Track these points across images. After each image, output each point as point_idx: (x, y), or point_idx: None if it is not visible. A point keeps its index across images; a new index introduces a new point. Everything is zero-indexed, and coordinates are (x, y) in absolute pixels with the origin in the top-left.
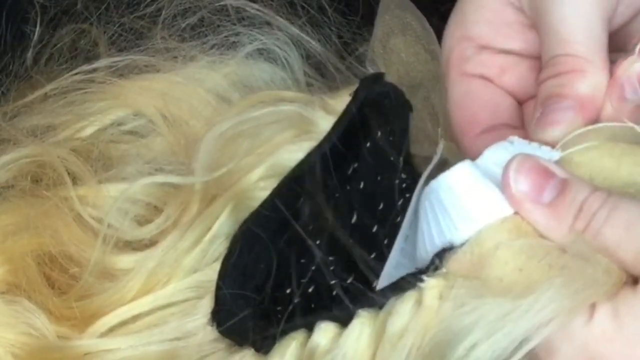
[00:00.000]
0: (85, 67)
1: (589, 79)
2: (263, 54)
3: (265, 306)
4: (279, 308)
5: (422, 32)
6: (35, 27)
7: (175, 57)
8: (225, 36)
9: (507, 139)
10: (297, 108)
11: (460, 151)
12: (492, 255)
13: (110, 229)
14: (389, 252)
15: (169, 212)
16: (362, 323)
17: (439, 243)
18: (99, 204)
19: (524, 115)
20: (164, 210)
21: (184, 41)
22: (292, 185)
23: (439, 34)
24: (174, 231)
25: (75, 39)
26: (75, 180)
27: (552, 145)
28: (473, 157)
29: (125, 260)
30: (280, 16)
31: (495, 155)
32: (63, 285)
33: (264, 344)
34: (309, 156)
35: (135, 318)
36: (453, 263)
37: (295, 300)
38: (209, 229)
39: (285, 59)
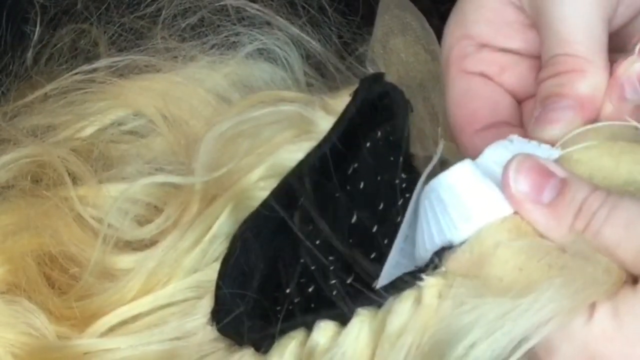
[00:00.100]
0: (85, 67)
1: (589, 79)
2: (263, 54)
3: (265, 306)
4: (278, 308)
5: (422, 32)
6: (35, 27)
7: (175, 57)
8: (225, 36)
9: (507, 138)
10: (297, 108)
11: (458, 148)
12: (492, 255)
13: (110, 229)
14: (388, 252)
15: (169, 212)
16: (362, 322)
17: (438, 242)
18: (99, 204)
19: (523, 114)
20: (164, 210)
21: (184, 41)
22: (292, 185)
23: (439, 34)
24: (174, 231)
25: (75, 39)
26: (75, 180)
27: (551, 144)
28: (471, 154)
29: (125, 260)
30: (280, 16)
31: (496, 154)
32: (63, 285)
33: (264, 343)
34: (308, 156)
35: (135, 318)
36: (452, 262)
37: (295, 300)
38: (209, 229)
39: (285, 59)
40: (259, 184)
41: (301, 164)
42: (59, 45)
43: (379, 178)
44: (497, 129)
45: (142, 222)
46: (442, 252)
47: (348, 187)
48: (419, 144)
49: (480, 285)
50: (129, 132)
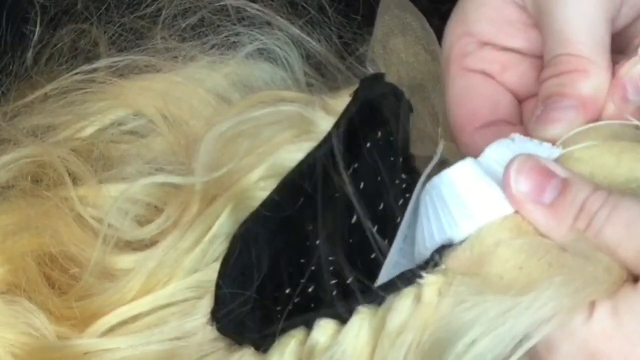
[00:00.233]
0: (85, 67)
1: (591, 80)
2: (263, 54)
3: (265, 305)
4: (278, 308)
5: (422, 32)
6: (35, 27)
7: (175, 57)
8: (225, 36)
9: (509, 136)
10: (297, 108)
11: (458, 149)
12: (492, 253)
13: (111, 229)
14: (388, 252)
15: (169, 212)
16: (362, 319)
17: (438, 239)
18: (99, 204)
19: (523, 113)
20: (164, 210)
21: (184, 41)
22: (292, 185)
23: (439, 34)
24: (174, 231)
25: (75, 39)
26: (75, 180)
27: (552, 143)
28: (471, 152)
29: (126, 260)
30: (281, 16)
31: (497, 152)
32: (63, 285)
33: (264, 343)
34: (308, 156)
35: (135, 318)
36: (453, 260)
37: (295, 300)
38: (209, 229)
39: (286, 59)
40: (259, 184)
41: (301, 164)
42: (59, 45)
43: (379, 178)
44: (498, 127)
45: (142, 222)
46: (442, 250)
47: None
48: (419, 144)
49: (480, 283)
50: (129, 132)
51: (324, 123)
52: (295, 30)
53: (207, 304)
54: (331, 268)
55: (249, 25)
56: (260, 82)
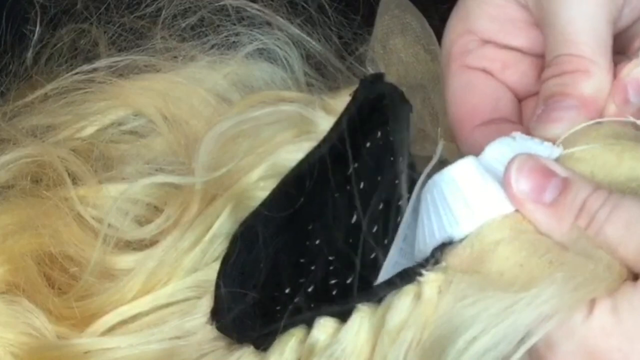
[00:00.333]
0: (85, 67)
1: (593, 80)
2: (263, 54)
3: (265, 305)
4: (278, 307)
5: (422, 32)
6: (35, 27)
7: (175, 57)
8: (225, 36)
9: (510, 135)
10: (297, 108)
11: (458, 149)
12: (493, 251)
13: (111, 229)
14: (388, 252)
15: (169, 212)
16: (362, 317)
17: (439, 237)
18: (99, 204)
19: (523, 112)
20: (164, 210)
21: (184, 41)
22: (292, 185)
23: (439, 34)
24: (174, 231)
25: (75, 39)
26: (75, 180)
27: (553, 142)
28: (470, 149)
29: (126, 260)
30: (280, 16)
31: (498, 151)
32: (63, 285)
33: (264, 341)
34: (308, 156)
35: (135, 317)
36: (453, 258)
37: (295, 300)
38: (209, 228)
39: (285, 59)
40: (259, 184)
41: (301, 164)
42: (58, 45)
43: (379, 178)
44: (498, 125)
45: (142, 222)
46: (443, 248)
47: (348, 187)
48: (419, 144)
49: (481, 280)
50: (129, 132)
51: (324, 123)
52: (295, 30)
53: (206, 303)
54: (331, 268)
55: (249, 25)
56: (260, 82)
